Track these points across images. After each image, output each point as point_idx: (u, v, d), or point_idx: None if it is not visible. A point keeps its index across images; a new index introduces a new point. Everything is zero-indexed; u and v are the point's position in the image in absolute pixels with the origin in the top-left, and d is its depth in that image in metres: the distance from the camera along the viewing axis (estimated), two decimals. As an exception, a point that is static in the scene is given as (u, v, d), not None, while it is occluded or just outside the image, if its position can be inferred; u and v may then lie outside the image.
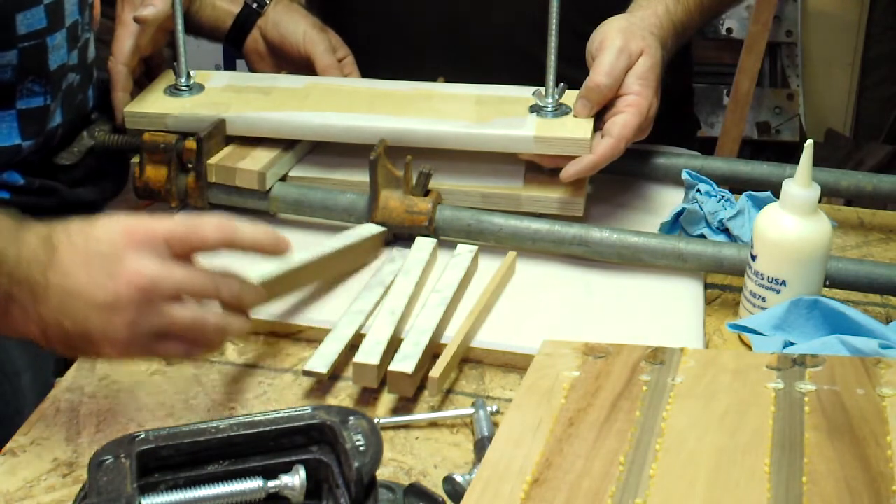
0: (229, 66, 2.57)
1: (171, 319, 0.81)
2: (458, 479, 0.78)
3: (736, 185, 1.20)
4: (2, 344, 1.09)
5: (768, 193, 1.12)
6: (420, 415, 0.90)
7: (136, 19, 1.16)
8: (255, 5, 1.29)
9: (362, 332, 0.97)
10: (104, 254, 0.79)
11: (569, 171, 1.08)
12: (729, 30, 2.90)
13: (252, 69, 1.32)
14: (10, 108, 1.07)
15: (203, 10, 1.29)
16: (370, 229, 1.09)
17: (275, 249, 0.86)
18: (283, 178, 1.15)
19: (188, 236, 0.82)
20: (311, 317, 1.01)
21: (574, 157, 1.08)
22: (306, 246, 1.13)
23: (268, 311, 1.01)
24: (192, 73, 1.20)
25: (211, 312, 0.84)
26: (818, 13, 2.94)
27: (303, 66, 1.27)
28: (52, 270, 0.79)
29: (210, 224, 0.83)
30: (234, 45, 1.31)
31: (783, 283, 0.97)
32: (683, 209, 1.12)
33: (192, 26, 1.28)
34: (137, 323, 0.80)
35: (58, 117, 1.12)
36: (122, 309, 0.79)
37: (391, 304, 0.99)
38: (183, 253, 0.82)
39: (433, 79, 1.24)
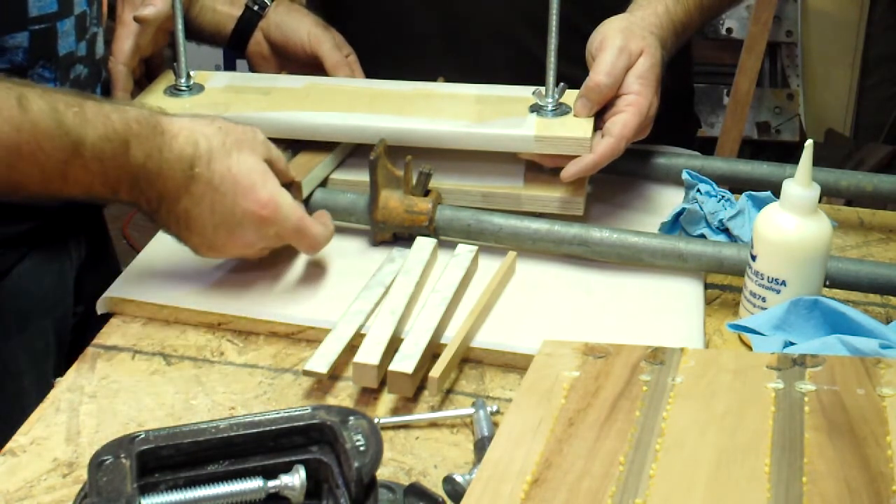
0: (229, 66, 2.57)
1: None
2: (458, 479, 0.78)
3: (736, 185, 1.20)
4: (4, 344, 1.09)
5: (768, 193, 1.12)
6: (420, 415, 0.90)
7: (136, 19, 1.16)
8: (256, 7, 1.29)
9: (362, 332, 0.97)
10: (233, 215, 0.97)
11: (569, 171, 1.08)
12: (729, 30, 2.90)
13: (256, 72, 1.32)
14: None
15: (203, 15, 1.28)
16: None
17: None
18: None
19: (291, 239, 1.02)
20: (311, 317, 1.01)
21: (574, 157, 1.08)
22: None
23: (268, 311, 1.01)
24: (191, 73, 1.20)
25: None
26: (818, 13, 2.94)
27: (309, 65, 1.27)
28: (186, 194, 0.96)
29: (311, 241, 1.03)
30: (237, 48, 1.31)
31: (783, 283, 0.97)
32: (683, 209, 1.12)
33: (192, 31, 1.27)
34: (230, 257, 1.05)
35: None
36: (221, 253, 1.02)
37: (391, 304, 0.99)
38: None
39: (433, 79, 1.24)
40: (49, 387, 0.94)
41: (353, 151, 1.19)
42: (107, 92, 1.20)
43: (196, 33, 1.29)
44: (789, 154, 2.78)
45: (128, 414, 0.91)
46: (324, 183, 1.15)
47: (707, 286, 1.09)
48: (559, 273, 1.09)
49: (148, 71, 1.25)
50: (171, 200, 0.96)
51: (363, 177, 1.11)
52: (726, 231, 1.11)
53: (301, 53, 1.27)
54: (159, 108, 0.99)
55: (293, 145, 1.17)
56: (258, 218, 0.97)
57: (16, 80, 0.93)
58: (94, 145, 0.92)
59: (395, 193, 1.10)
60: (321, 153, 1.16)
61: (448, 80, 1.24)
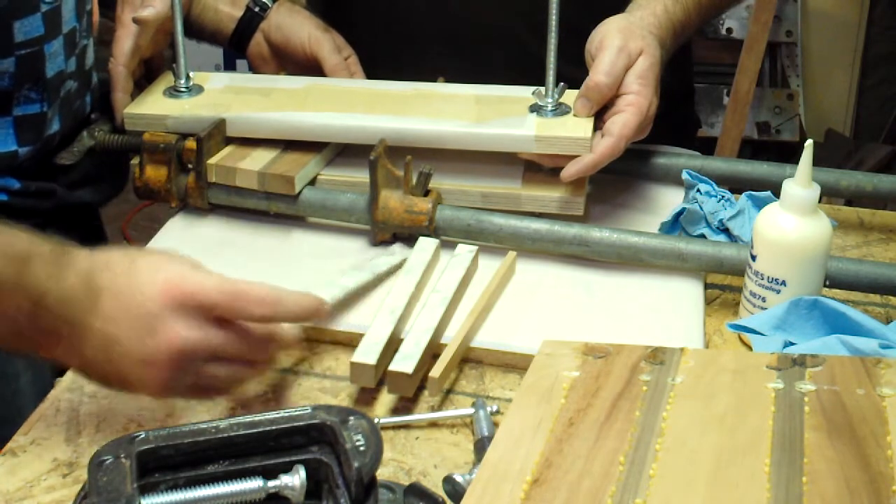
0: (229, 66, 2.57)
1: (206, 378, 0.83)
2: (458, 479, 0.78)
3: (736, 185, 1.20)
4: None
5: (768, 193, 1.12)
6: (420, 415, 0.90)
7: (136, 20, 1.16)
8: (257, 9, 1.29)
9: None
10: (147, 310, 0.79)
11: (569, 171, 1.08)
12: (729, 30, 2.90)
13: (256, 73, 1.32)
14: (7, 115, 1.07)
15: (205, 15, 1.28)
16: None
17: (317, 316, 0.87)
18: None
19: (232, 307, 0.82)
20: (311, 317, 1.01)
21: (574, 157, 1.08)
22: (304, 244, 1.13)
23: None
24: (191, 74, 1.20)
25: (244, 368, 0.85)
26: (818, 13, 2.94)
27: (308, 67, 1.27)
28: (94, 315, 0.80)
29: (255, 296, 0.82)
30: (237, 48, 1.31)
31: (783, 283, 0.97)
32: (683, 209, 1.12)
33: (193, 30, 1.28)
34: (173, 379, 0.81)
35: (55, 124, 1.12)
36: (159, 367, 0.80)
37: (391, 303, 0.99)
38: (226, 318, 0.83)
39: (433, 79, 1.24)
40: (48, 387, 0.94)
41: (343, 149, 1.19)
42: (105, 93, 1.20)
43: (197, 32, 1.29)
44: (789, 154, 2.78)
45: (128, 414, 0.90)
46: (312, 181, 1.15)
47: (707, 286, 1.09)
48: (559, 273, 1.09)
49: (148, 72, 1.25)
50: (82, 329, 0.80)
51: (352, 175, 1.11)
52: (726, 231, 1.11)
53: (301, 55, 1.27)
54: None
55: (293, 146, 1.17)
56: (172, 289, 0.80)
57: None
58: None
59: (395, 193, 1.10)
60: (312, 150, 1.15)
61: (448, 80, 1.24)
